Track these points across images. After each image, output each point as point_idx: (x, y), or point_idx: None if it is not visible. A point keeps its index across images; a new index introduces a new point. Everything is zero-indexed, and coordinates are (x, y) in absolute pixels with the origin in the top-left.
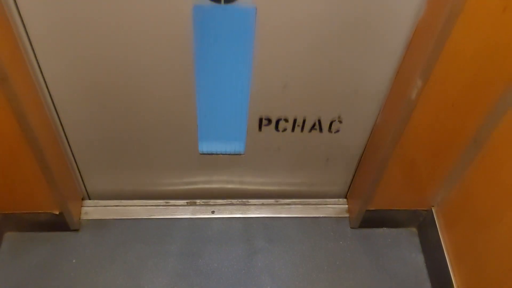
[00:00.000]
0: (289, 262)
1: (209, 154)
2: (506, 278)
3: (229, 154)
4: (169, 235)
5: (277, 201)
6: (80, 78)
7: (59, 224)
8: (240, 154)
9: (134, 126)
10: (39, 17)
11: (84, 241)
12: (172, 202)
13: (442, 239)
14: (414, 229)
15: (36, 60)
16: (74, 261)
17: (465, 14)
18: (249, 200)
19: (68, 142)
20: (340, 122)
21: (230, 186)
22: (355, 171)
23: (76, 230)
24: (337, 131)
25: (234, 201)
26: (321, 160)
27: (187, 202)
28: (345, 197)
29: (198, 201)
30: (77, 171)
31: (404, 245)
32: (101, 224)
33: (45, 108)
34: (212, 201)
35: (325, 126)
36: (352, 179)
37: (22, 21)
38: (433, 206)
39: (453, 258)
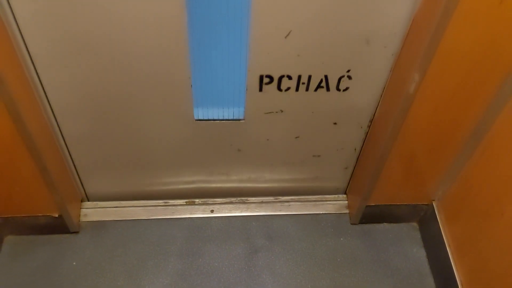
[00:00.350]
0: (290, 260)
1: (205, 120)
2: (508, 270)
3: (227, 120)
4: (169, 235)
5: (276, 199)
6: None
7: (59, 226)
8: (240, 120)
9: (126, 96)
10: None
11: (84, 243)
12: (171, 202)
13: (444, 234)
14: (415, 224)
15: (32, 62)
16: (74, 263)
17: (461, 6)
18: (248, 198)
19: (66, 144)
20: (350, 78)
21: (229, 159)
22: (355, 166)
23: (76, 232)
24: (346, 89)
25: (233, 199)
26: (328, 124)
27: (186, 202)
28: (345, 193)
29: (197, 200)
30: (75, 173)
31: (406, 240)
32: (100, 225)
33: (42, 110)
34: (211, 200)
35: (333, 84)
36: (352, 174)
37: (16, 23)
38: (433, 201)
39: (455, 252)
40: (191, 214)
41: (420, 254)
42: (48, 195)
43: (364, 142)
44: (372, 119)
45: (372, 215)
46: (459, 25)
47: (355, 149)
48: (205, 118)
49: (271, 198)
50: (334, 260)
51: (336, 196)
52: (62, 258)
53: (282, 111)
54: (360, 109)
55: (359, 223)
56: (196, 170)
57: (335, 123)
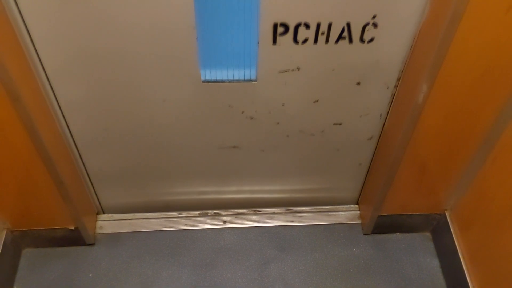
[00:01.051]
0: (302, 271)
1: (213, 81)
2: None
3: (238, 81)
4: (183, 247)
5: (288, 210)
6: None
7: (75, 239)
8: (251, 81)
9: (124, 53)
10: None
11: (100, 255)
12: (184, 213)
13: (457, 243)
14: (428, 234)
15: (47, 77)
16: (90, 275)
17: (467, 16)
18: (260, 210)
19: (81, 158)
20: (375, 26)
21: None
22: (366, 176)
23: (92, 245)
24: (371, 40)
25: (245, 210)
26: (351, 84)
27: (199, 213)
28: (357, 203)
29: (209, 211)
30: (91, 186)
31: (419, 250)
32: (115, 237)
33: (57, 125)
34: (223, 212)
35: (356, 34)
36: (363, 185)
37: (31, 39)
38: (446, 210)
39: (468, 262)
40: (204, 225)
41: (433, 264)
42: (64, 208)
43: (389, 107)
44: (400, 78)
45: (384, 225)
46: (467, 33)
47: (380, 115)
48: (213, 79)
49: (283, 209)
50: (347, 271)
51: (348, 206)
52: (78, 270)
53: (298, 69)
54: (387, 64)
55: (372, 233)
56: (205, 144)
57: (358, 83)
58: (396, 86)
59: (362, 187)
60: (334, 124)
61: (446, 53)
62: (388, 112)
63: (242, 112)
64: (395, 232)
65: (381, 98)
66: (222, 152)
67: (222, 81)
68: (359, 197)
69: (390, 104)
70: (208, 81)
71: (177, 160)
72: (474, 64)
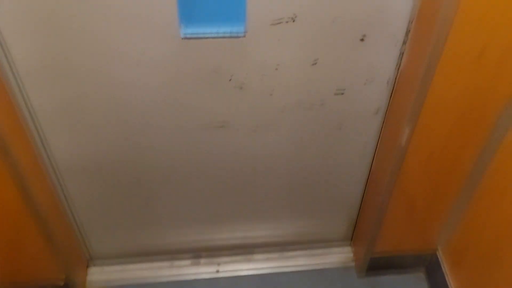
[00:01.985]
0: None
1: (195, 38)
2: None
3: (223, 37)
4: None
5: (282, 253)
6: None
7: None
8: (239, 37)
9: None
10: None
11: None
12: (176, 263)
13: (448, 282)
14: (421, 274)
15: (36, 129)
16: None
17: (443, 61)
18: (254, 256)
19: (71, 210)
20: None
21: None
22: (357, 216)
23: None
24: None
25: (238, 257)
26: (355, 39)
27: (191, 262)
28: (350, 244)
29: (202, 260)
30: (80, 238)
31: None
32: None
33: (47, 177)
34: (216, 260)
35: None
36: (355, 224)
37: (20, 90)
38: (437, 249)
39: None
40: (196, 275)
41: None
42: (53, 263)
43: (397, 71)
44: (409, 31)
45: (378, 266)
46: (444, 78)
47: (387, 81)
48: (194, 34)
49: (276, 255)
50: None
51: (341, 248)
52: None
53: (294, 19)
54: (394, 12)
55: (366, 274)
56: (187, 123)
57: (362, 39)
58: (404, 42)
59: (355, 227)
60: (335, 94)
61: (426, 97)
62: (396, 77)
63: (230, 80)
64: (389, 273)
65: (388, 59)
66: (207, 133)
67: (205, 37)
68: (352, 236)
69: (398, 67)
70: (189, 38)
71: (156, 144)
72: (453, 107)
